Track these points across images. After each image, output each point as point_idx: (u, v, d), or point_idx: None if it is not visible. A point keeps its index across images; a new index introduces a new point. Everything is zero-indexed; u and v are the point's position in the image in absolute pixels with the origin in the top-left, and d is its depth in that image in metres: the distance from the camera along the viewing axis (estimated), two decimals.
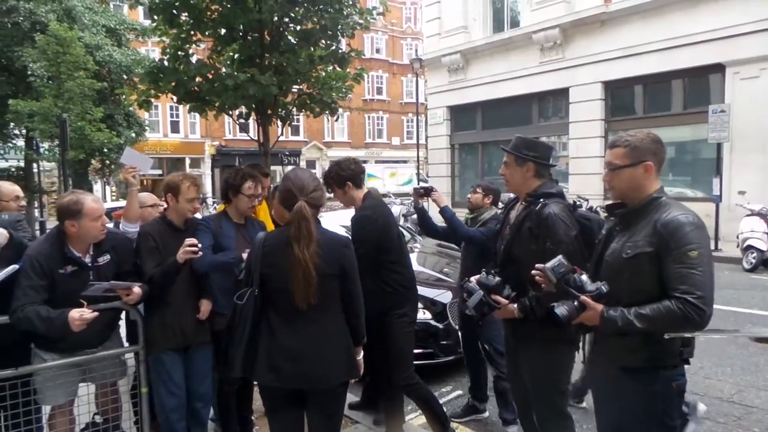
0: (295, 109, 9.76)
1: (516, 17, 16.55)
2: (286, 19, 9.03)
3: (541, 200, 2.59)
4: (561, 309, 2.13)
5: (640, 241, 2.07)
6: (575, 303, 2.12)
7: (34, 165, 21.19)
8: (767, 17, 10.51)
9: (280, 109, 9.26)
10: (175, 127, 31.43)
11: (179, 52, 8.82)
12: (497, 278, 2.58)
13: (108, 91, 19.70)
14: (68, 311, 2.67)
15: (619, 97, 14.09)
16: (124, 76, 21.00)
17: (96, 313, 2.73)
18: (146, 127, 23.74)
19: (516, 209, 2.80)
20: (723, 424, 3.83)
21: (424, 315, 4.61)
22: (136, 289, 2.91)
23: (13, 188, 3.95)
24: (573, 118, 14.73)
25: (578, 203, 2.89)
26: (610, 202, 2.37)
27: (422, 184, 4.00)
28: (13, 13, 17.91)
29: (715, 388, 4.48)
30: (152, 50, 26.22)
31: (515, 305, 2.55)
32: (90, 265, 2.97)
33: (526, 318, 2.55)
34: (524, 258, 2.55)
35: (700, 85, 12.29)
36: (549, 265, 2.21)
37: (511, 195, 2.92)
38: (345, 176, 3.36)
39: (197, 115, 10.35)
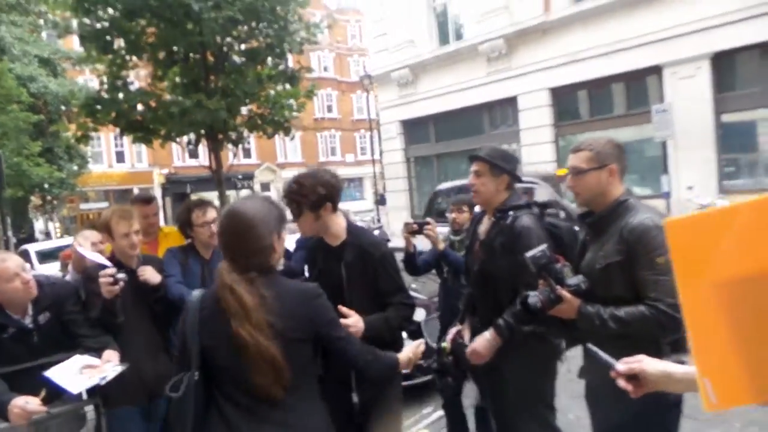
0: (246, 131, 9.50)
1: (460, 30, 16.80)
2: (229, 39, 8.79)
3: (511, 213, 2.53)
4: (534, 298, 2.11)
5: (609, 250, 2.07)
6: (551, 295, 2.09)
7: None
8: (698, 19, 11.01)
9: (230, 133, 8.97)
10: (120, 157, 30.32)
11: (117, 81, 8.40)
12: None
13: (45, 123, 18.88)
14: (11, 398, 2.32)
15: (565, 102, 14.44)
16: (62, 107, 20.22)
17: (43, 410, 2.35)
18: (89, 159, 22.81)
19: (483, 223, 2.72)
20: (720, 422, 3.79)
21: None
22: (109, 356, 2.62)
23: None
24: (523, 125, 14.99)
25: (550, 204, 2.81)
26: (578, 210, 2.33)
27: (415, 220, 3.62)
28: None
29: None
30: (90, 79, 25.19)
31: (578, 301, 2.18)
32: (30, 326, 2.65)
33: (506, 339, 2.44)
34: (499, 274, 2.50)
35: (640, 87, 12.72)
36: (529, 254, 2.15)
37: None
38: (323, 195, 2.41)
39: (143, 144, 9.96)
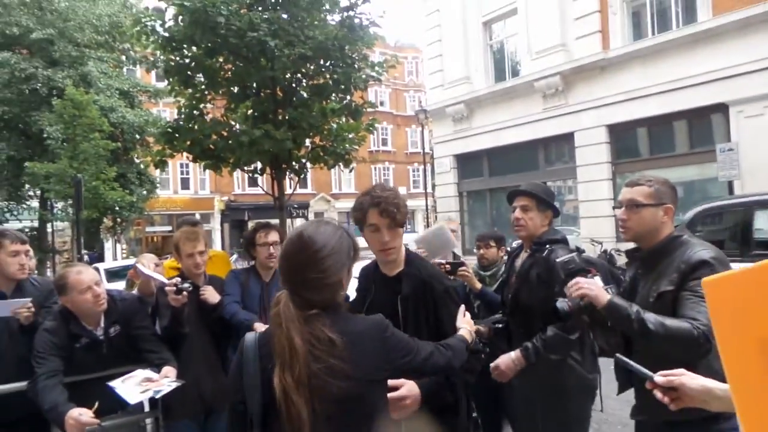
0: (308, 162, 9.96)
1: (516, 66, 17.00)
2: (299, 75, 9.36)
3: (548, 246, 2.60)
4: (562, 303, 2.11)
5: (663, 282, 2.03)
6: (580, 302, 2.08)
7: (48, 225, 21.48)
8: (765, 57, 10.76)
9: (294, 163, 9.45)
10: (185, 184, 31.93)
11: (194, 111, 9.10)
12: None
13: (121, 150, 20.24)
14: (68, 409, 2.47)
15: (623, 139, 14.26)
16: (137, 136, 21.61)
17: (95, 422, 2.45)
18: (157, 185, 24.17)
19: (521, 257, 2.78)
20: None
21: None
22: (167, 372, 2.77)
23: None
24: (580, 162, 14.87)
25: (594, 245, 2.90)
26: (626, 246, 2.33)
27: (448, 259, 3.42)
28: (31, 80, 18.67)
29: None
30: (163, 110, 27.02)
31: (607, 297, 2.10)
32: (101, 338, 2.87)
33: (532, 363, 2.48)
34: (533, 305, 2.54)
35: (704, 125, 12.43)
36: (560, 259, 2.22)
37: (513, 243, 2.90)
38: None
39: (207, 171, 10.60)
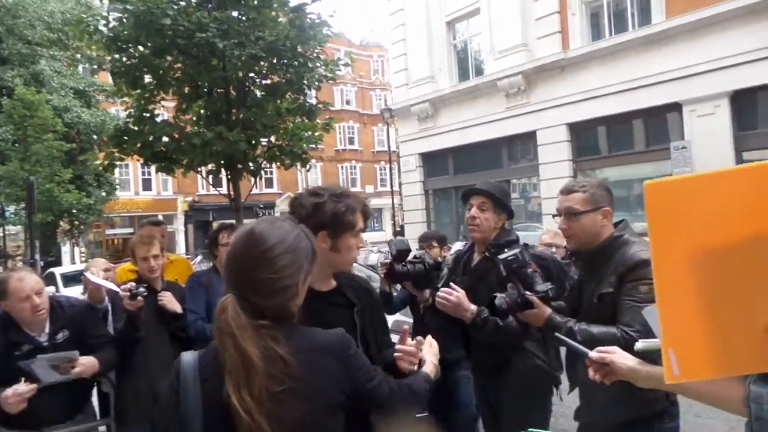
0: (265, 162, 9.77)
1: (480, 66, 17.06)
2: (251, 74, 9.14)
3: (506, 249, 2.53)
4: (501, 300, 2.10)
5: (604, 283, 2.07)
6: (518, 299, 2.09)
7: None
8: (717, 57, 11.03)
9: (249, 163, 9.25)
10: (146, 185, 31.12)
11: (144, 113, 8.79)
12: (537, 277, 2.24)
13: (77, 152, 19.58)
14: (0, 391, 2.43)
15: (583, 137, 14.45)
16: (94, 137, 20.96)
17: (33, 387, 2.45)
18: (117, 186, 23.49)
19: (474, 259, 2.69)
20: None
21: None
22: (84, 360, 2.67)
23: None
24: (542, 159, 15.02)
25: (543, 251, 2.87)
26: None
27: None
28: None
29: (708, 427, 4.37)
30: (122, 110, 26.27)
31: (548, 310, 2.17)
32: (45, 344, 2.73)
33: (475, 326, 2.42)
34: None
35: (660, 124, 12.69)
36: (503, 256, 2.17)
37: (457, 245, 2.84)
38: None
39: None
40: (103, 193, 21.64)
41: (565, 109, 14.08)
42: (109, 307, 3.19)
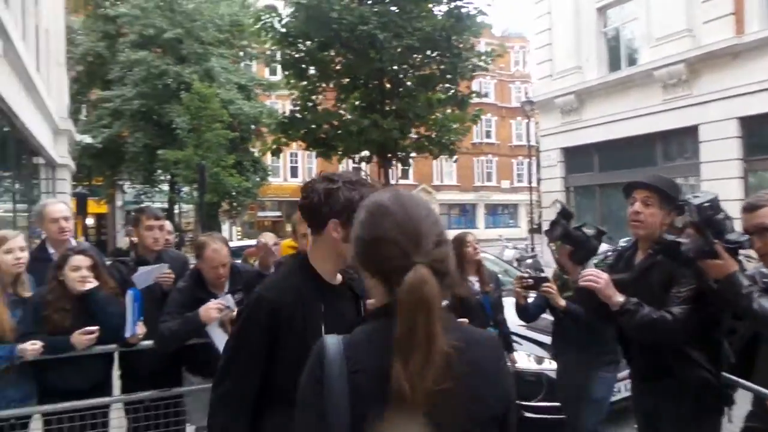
0: (413, 152, 10.14)
1: (633, 55, 15.96)
2: (405, 66, 9.55)
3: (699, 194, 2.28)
4: (687, 246, 1.92)
5: None
6: (705, 246, 1.90)
7: (176, 206, 23.71)
8: None
9: (399, 152, 9.68)
10: (294, 172, 33.64)
11: (307, 103, 9.62)
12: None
13: (238, 140, 21.77)
14: (201, 311, 2.97)
15: (758, 134, 12.91)
16: (252, 127, 23.13)
17: (222, 303, 3.02)
18: (269, 172, 25.72)
19: (637, 257, 2.48)
20: None
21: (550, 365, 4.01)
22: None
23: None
24: (705, 157, 13.69)
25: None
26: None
27: (531, 272, 3.26)
28: (164, 75, 20.65)
29: None
30: (275, 102, 28.63)
31: (735, 264, 1.96)
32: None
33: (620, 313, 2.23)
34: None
35: None
36: (697, 201, 1.97)
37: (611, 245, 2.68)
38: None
39: (314, 160, 11.15)
40: (258, 179, 23.77)
41: (737, 101, 12.68)
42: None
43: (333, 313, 1.61)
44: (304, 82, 9.90)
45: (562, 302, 3.13)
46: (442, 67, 9.17)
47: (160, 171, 22.31)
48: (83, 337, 2.84)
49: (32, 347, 2.76)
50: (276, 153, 10.45)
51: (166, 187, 23.30)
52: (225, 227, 29.13)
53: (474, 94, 9.88)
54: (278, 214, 32.68)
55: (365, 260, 1.11)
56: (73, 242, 3.69)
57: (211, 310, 2.96)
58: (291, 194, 33.12)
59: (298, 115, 9.94)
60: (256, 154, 23.45)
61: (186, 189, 21.84)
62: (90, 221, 23.92)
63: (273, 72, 30.19)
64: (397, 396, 0.95)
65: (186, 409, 3.26)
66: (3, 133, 8.95)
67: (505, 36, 38.67)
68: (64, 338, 2.85)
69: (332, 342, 1.07)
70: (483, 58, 9.65)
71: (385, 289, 1.08)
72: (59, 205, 3.67)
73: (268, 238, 4.38)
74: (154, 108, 20.86)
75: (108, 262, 3.62)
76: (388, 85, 9.57)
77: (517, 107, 28.69)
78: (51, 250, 3.53)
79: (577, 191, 18.39)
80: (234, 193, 20.86)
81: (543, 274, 3.37)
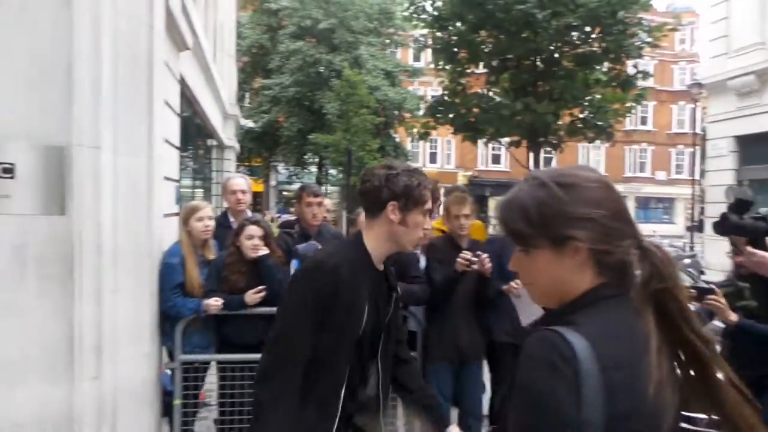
0: (567, 136, 9.67)
1: None
2: (561, 45, 9.09)
3: None
4: None
5: None
6: None
7: (323, 188, 25.32)
8: None
9: (550, 136, 9.30)
10: (432, 158, 33.97)
11: (457, 87, 9.60)
12: None
13: (382, 125, 22.53)
14: None
15: None
16: (395, 112, 23.75)
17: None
18: (410, 157, 26.28)
19: None
20: None
21: None
22: None
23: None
24: None
25: None
26: None
27: (698, 283, 2.98)
28: (317, 64, 21.99)
29: None
30: (418, 88, 29.04)
31: None
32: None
33: None
34: None
35: None
36: None
37: None
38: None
39: (452, 146, 11.09)
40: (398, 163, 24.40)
41: None
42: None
43: (374, 294, 1.70)
44: (454, 65, 9.87)
45: (733, 316, 2.69)
46: (605, 45, 8.56)
47: (310, 154, 23.93)
48: (255, 296, 3.23)
49: (215, 303, 3.18)
50: (424, 137, 10.57)
51: (314, 169, 24.93)
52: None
53: (640, 75, 9.10)
54: None
55: (604, 234, 0.98)
56: (249, 213, 4.13)
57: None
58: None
59: (446, 99, 9.96)
60: (397, 139, 24.09)
61: (333, 171, 23.19)
62: None
63: (417, 58, 30.71)
64: (656, 391, 0.89)
65: None
66: (187, 118, 10.22)
67: (670, 11, 34.94)
68: (239, 297, 3.24)
69: (574, 336, 0.92)
70: (653, 33, 8.82)
71: (595, 270, 0.99)
72: (239, 179, 4.14)
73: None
74: (307, 95, 22.34)
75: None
76: (541, 66, 9.20)
77: (680, 91, 25.92)
78: (231, 219, 4.00)
79: (754, 185, 16.20)
80: None
81: (708, 285, 2.94)
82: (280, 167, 25.26)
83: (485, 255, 3.26)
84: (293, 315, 1.66)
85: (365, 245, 1.73)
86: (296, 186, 25.16)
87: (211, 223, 3.46)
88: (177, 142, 4.78)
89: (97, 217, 2.40)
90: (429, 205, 1.74)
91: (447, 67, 9.89)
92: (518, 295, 3.22)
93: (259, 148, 24.66)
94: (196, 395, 3.34)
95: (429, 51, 11.47)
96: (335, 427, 1.63)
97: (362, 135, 19.75)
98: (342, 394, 1.64)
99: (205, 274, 3.39)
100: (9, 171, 2.06)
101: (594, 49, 8.85)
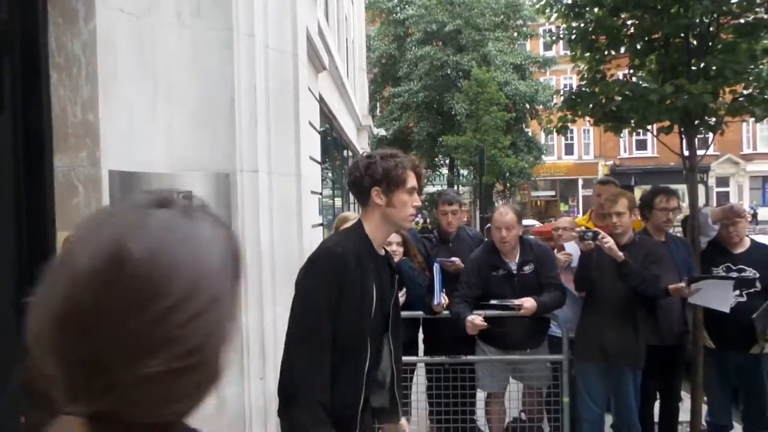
0: (728, 115, 8.50)
1: None
2: (717, 16, 8.01)
3: None
4: None
5: None
6: None
7: (454, 188, 25.31)
8: None
9: (707, 117, 8.24)
10: (568, 149, 32.26)
11: (596, 75, 8.87)
12: None
13: (512, 121, 21.91)
14: (466, 315, 3.22)
15: None
16: (527, 106, 22.97)
17: (483, 324, 3.19)
18: (544, 151, 25.25)
19: None
20: None
21: None
22: (526, 303, 3.22)
23: None
24: None
25: None
26: None
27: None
28: (444, 67, 22.07)
29: None
30: (550, 79, 27.76)
31: None
32: (514, 271, 3.37)
33: None
34: None
35: None
36: None
37: None
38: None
39: (591, 135, 10.31)
40: (532, 158, 23.56)
41: None
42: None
43: (380, 277, 1.81)
44: (592, 54, 9.18)
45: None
46: None
47: (440, 156, 24.06)
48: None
49: None
50: (561, 131, 9.94)
51: (445, 171, 25.01)
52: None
53: None
54: (551, 193, 31.82)
55: None
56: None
57: (476, 321, 3.22)
58: (566, 172, 31.88)
59: (585, 89, 9.32)
60: (530, 134, 23.22)
61: (464, 172, 23.07)
62: None
63: (549, 47, 29.37)
64: None
65: (478, 375, 3.52)
66: (325, 133, 10.88)
67: None
68: None
69: None
70: None
71: None
72: None
73: (565, 222, 4.39)
74: (436, 98, 22.50)
75: None
76: (694, 43, 8.21)
77: None
78: None
79: None
80: (508, 174, 21.15)
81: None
82: None
83: (602, 234, 3.16)
84: (309, 302, 1.70)
85: (366, 233, 1.82)
86: (428, 189, 25.52)
87: None
88: (318, 157, 5.13)
89: (257, 233, 2.65)
90: (412, 183, 1.83)
91: (585, 56, 9.19)
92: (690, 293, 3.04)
93: None
94: None
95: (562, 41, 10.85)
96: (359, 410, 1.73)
97: (493, 133, 19.41)
98: (364, 380, 1.74)
99: None
100: (188, 197, 2.36)
101: (761, 15, 7.69)
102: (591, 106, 9.21)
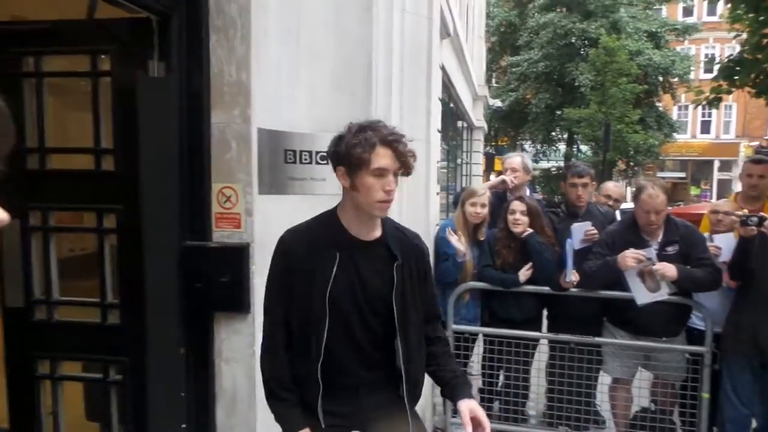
0: None
1: None
2: None
3: None
4: None
5: None
6: None
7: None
8: None
9: None
10: (705, 128, 29.15)
11: (762, 39, 7.73)
12: None
13: (643, 94, 20.13)
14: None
15: None
16: (659, 78, 21.00)
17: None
18: (677, 129, 23.08)
19: None
20: None
21: None
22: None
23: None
24: None
25: None
26: None
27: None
28: (568, 35, 20.69)
29: None
30: (688, 48, 25.08)
31: None
32: (655, 250, 3.11)
33: None
34: None
35: None
36: None
37: None
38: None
39: (733, 112, 8.98)
40: (662, 135, 21.62)
41: None
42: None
43: (353, 266, 1.60)
44: (758, 14, 7.96)
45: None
46: None
47: (558, 130, 22.85)
48: (526, 272, 3.35)
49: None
50: (714, 104, 8.83)
51: (563, 146, 23.74)
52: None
53: None
54: (681, 175, 29.11)
55: None
56: (527, 191, 4.26)
57: (627, 258, 3.01)
58: (700, 153, 28.97)
59: (747, 56, 8.17)
60: (661, 109, 21.24)
61: (584, 147, 21.75)
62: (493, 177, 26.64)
63: (689, 12, 26.41)
64: None
65: (605, 359, 3.34)
66: (443, 102, 10.73)
67: None
68: (514, 276, 3.36)
69: None
70: None
71: None
72: (515, 157, 4.26)
73: (723, 206, 3.83)
74: (557, 68, 21.24)
75: None
76: None
77: None
78: (509, 196, 4.09)
79: None
80: (633, 152, 19.61)
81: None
82: (527, 145, 24.69)
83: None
84: (268, 282, 1.69)
85: (338, 216, 1.65)
86: (542, 165, 24.39)
87: (483, 211, 3.60)
88: (439, 126, 5.08)
89: None
90: (379, 163, 1.52)
91: (749, 16, 7.99)
92: None
93: (506, 127, 24.51)
94: (465, 364, 3.54)
95: (705, 3, 9.62)
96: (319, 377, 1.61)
97: (620, 106, 17.96)
98: (318, 368, 1.60)
99: (476, 253, 3.58)
100: (325, 158, 2.42)
101: None
102: (753, 75, 8.12)
